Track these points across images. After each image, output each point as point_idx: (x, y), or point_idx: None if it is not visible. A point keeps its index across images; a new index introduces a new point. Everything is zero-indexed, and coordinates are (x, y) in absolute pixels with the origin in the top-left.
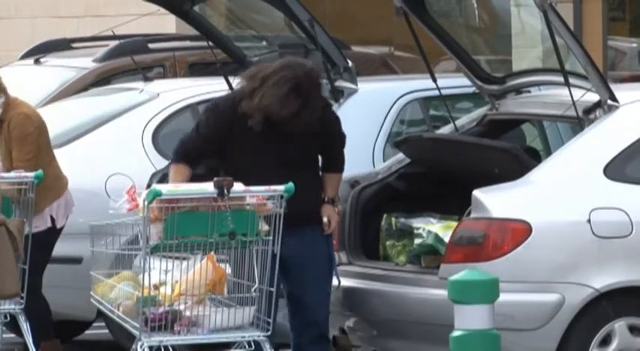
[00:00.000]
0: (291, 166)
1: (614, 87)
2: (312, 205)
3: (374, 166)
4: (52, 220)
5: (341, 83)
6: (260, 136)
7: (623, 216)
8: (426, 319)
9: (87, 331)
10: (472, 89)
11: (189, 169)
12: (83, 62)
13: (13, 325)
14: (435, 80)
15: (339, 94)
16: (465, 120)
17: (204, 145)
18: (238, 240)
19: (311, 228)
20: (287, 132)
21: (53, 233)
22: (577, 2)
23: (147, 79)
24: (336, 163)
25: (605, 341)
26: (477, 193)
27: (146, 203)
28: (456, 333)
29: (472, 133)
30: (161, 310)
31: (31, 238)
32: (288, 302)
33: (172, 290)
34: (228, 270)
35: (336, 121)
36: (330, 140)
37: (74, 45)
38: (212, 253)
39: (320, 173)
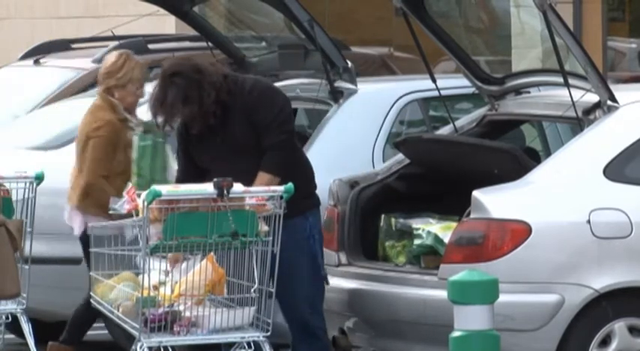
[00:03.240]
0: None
1: (613, 87)
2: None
3: (373, 167)
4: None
5: (340, 84)
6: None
7: (623, 216)
8: (425, 320)
9: (87, 332)
10: (472, 90)
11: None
12: (83, 63)
13: (14, 325)
14: (434, 81)
15: (338, 95)
16: (464, 121)
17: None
18: (242, 241)
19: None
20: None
21: None
22: (577, 3)
23: (146, 80)
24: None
25: (605, 342)
26: (476, 193)
27: (146, 204)
28: (455, 334)
29: (472, 134)
30: (161, 310)
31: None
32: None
33: (172, 291)
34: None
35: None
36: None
37: (74, 46)
38: (212, 253)
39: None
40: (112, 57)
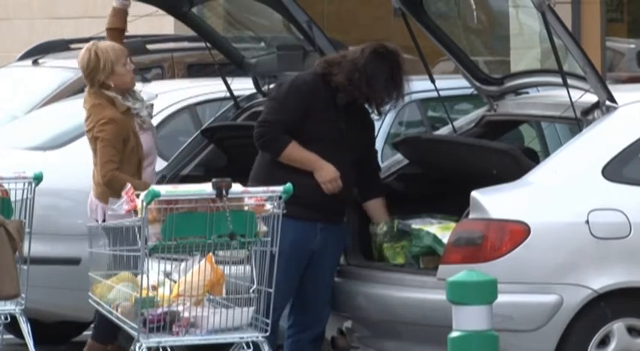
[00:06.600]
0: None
1: (612, 88)
2: (350, 201)
3: None
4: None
5: None
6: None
7: (622, 217)
8: (424, 321)
9: (85, 332)
10: (470, 90)
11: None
12: None
13: (13, 326)
14: (433, 81)
15: None
16: (463, 121)
17: (290, 118)
18: (238, 241)
19: (344, 222)
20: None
21: None
22: (575, 3)
23: (145, 80)
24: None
25: (604, 342)
26: (475, 194)
27: (144, 204)
28: (454, 334)
29: (470, 134)
30: (159, 311)
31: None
32: (296, 298)
33: (171, 291)
34: (227, 271)
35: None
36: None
37: (72, 46)
38: (210, 254)
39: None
40: (84, 54)
